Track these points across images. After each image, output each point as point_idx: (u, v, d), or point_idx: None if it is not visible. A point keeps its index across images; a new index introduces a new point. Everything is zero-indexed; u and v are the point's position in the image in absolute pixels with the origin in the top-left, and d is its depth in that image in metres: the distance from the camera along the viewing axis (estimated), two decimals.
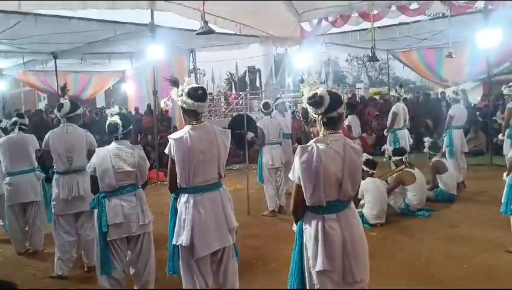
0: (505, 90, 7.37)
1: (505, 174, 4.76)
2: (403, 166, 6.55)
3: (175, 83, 3.24)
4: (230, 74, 23.18)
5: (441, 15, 10.34)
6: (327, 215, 2.53)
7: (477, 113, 13.18)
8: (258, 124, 6.81)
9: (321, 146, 2.51)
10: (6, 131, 6.00)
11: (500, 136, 7.28)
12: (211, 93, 21.30)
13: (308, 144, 2.55)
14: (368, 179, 6.00)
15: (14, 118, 5.68)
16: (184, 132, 3.15)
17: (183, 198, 3.16)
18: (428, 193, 6.85)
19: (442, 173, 6.98)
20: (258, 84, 18.12)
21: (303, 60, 12.67)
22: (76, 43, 10.82)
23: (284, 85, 18.12)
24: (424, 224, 5.91)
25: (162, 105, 3.33)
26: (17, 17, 7.56)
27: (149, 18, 9.53)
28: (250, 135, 6.66)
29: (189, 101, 3.13)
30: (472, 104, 13.85)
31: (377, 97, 17.63)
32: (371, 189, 5.88)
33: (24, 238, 5.63)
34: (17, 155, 5.44)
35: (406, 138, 7.93)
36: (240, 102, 16.09)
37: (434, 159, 7.14)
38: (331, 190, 2.51)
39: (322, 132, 2.58)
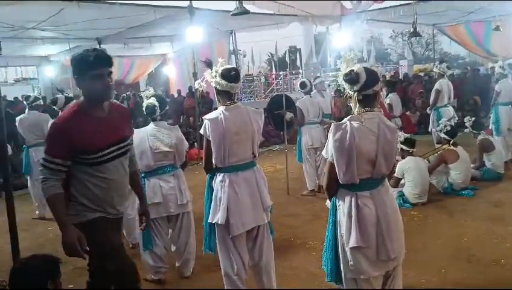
0: None
1: None
2: (446, 145, 6.35)
3: (209, 64, 3.28)
4: (271, 54, 23.03)
5: None
6: (360, 193, 2.53)
7: None
8: (297, 104, 6.76)
9: (355, 124, 2.48)
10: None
11: None
12: (251, 74, 21.32)
13: (342, 121, 2.54)
14: (409, 158, 5.87)
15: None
16: (218, 112, 3.19)
17: (219, 177, 3.21)
18: (474, 171, 6.63)
19: (489, 151, 6.73)
20: (298, 63, 17.90)
21: (343, 38, 12.42)
22: (119, 28, 11.08)
23: (325, 64, 17.84)
24: (467, 203, 5.75)
25: (196, 86, 3.39)
26: (60, 3, 7.81)
27: (188, 1, 9.64)
28: (289, 115, 6.66)
29: (223, 82, 3.17)
30: None
31: (421, 74, 17.04)
32: (412, 168, 5.76)
33: None
34: None
35: (450, 116, 7.65)
36: (280, 82, 16.00)
37: (480, 137, 6.88)
38: (365, 168, 2.49)
39: (356, 110, 2.55)
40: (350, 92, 2.56)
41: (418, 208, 5.65)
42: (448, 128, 6.41)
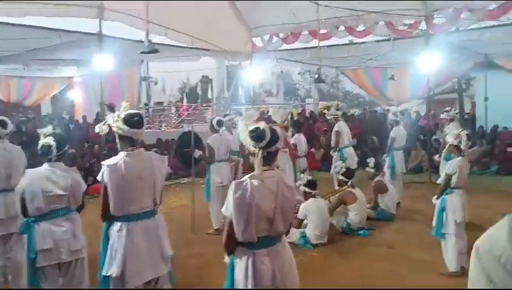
0: (443, 115, 7.70)
1: (434, 197, 4.97)
2: (345, 186, 6.70)
3: (111, 108, 3.16)
4: (184, 82, 22.96)
5: (387, 37, 10.75)
6: (258, 251, 2.55)
7: (420, 131, 13.73)
8: (207, 141, 6.76)
9: (255, 183, 2.52)
10: None
11: (436, 157, 7.54)
12: (162, 102, 21.04)
13: (242, 179, 2.56)
14: (311, 200, 6.09)
15: None
16: (119, 158, 3.07)
17: (116, 226, 3.07)
18: (370, 211, 7.04)
19: (383, 193, 7.20)
20: (210, 95, 18.05)
21: (255, 74, 12.80)
22: (19, 48, 10.39)
23: (237, 98, 18.17)
24: (364, 244, 6.07)
25: (97, 130, 3.22)
26: None
27: (97, 27, 9.36)
28: (197, 153, 6.61)
29: (125, 127, 3.07)
30: (417, 122, 14.47)
31: (326, 112, 17.94)
32: (313, 210, 5.97)
33: None
34: None
35: (353, 156, 8.12)
36: (191, 114, 15.98)
37: (376, 179, 7.35)
38: (262, 226, 2.53)
39: (258, 168, 2.59)
40: (253, 149, 2.60)
41: (319, 249, 5.84)
42: (344, 169, 6.78)
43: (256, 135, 2.58)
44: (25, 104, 16.99)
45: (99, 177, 3.06)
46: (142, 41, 9.78)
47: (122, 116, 3.10)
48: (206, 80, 19.31)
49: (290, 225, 2.74)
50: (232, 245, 2.58)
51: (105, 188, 3.04)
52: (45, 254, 3.52)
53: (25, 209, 3.57)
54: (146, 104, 19.88)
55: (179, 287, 4.42)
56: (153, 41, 10.24)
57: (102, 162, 3.08)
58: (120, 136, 3.13)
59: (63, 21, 8.72)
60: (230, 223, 2.53)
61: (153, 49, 6.46)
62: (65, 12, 8.52)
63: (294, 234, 6.01)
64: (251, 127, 2.62)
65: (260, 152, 2.58)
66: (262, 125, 2.61)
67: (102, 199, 3.08)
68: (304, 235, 5.96)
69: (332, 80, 37.03)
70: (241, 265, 2.56)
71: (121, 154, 3.10)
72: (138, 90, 14.99)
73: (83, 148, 12.13)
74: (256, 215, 2.48)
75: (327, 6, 9.58)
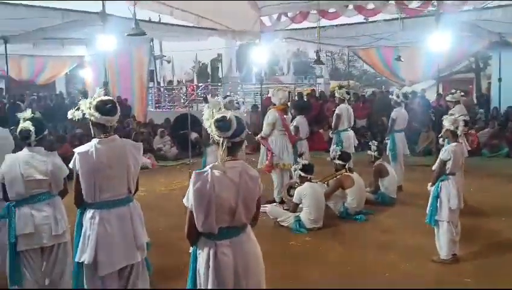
0: (448, 97, 7.49)
1: (429, 184, 4.86)
2: (343, 170, 6.60)
3: (84, 94, 3.13)
4: (199, 61, 22.83)
5: (396, 16, 10.44)
6: (220, 242, 2.51)
7: (432, 112, 13.42)
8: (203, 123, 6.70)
9: (216, 173, 2.47)
10: None
11: (441, 141, 7.35)
12: (171, 81, 21.01)
13: (204, 169, 2.51)
14: (306, 184, 6.02)
15: None
16: (90, 145, 3.05)
17: (89, 213, 3.07)
18: (369, 195, 6.95)
19: (384, 176, 7.09)
20: (221, 75, 17.94)
21: (264, 53, 12.61)
22: (26, 28, 10.43)
23: (248, 77, 18.03)
24: (359, 229, 6.01)
25: (69, 116, 3.20)
26: None
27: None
28: (193, 135, 6.58)
29: (97, 114, 3.04)
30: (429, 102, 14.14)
31: (336, 90, 17.68)
32: (308, 194, 5.90)
33: None
34: None
35: (350, 140, 7.97)
36: (199, 93, 15.91)
37: (377, 162, 7.23)
38: (224, 217, 2.48)
39: (220, 158, 2.53)
40: (218, 138, 2.54)
41: (313, 233, 5.80)
42: (339, 153, 6.70)
43: (222, 124, 2.52)
44: (37, 82, 17.18)
45: (71, 165, 3.05)
46: (146, 21, 9.75)
47: (95, 103, 3.06)
48: (219, 59, 19.16)
49: (256, 215, 2.69)
50: (194, 236, 2.55)
51: (78, 175, 3.03)
52: (26, 238, 3.56)
53: (5, 194, 3.59)
54: (158, 83, 19.89)
55: (172, 271, 4.50)
56: (161, 21, 10.13)
57: (74, 149, 3.07)
58: (93, 122, 3.11)
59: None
60: (191, 214, 2.49)
61: (141, 32, 6.38)
62: None
63: (289, 218, 5.99)
64: (217, 116, 2.56)
65: (225, 142, 2.53)
66: (228, 114, 2.54)
67: (74, 186, 3.07)
68: (298, 220, 5.91)
69: (349, 58, 36.53)
70: (203, 256, 2.53)
71: (93, 142, 3.07)
72: (148, 69, 14.95)
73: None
74: (217, 206, 2.44)
75: None
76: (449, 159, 4.70)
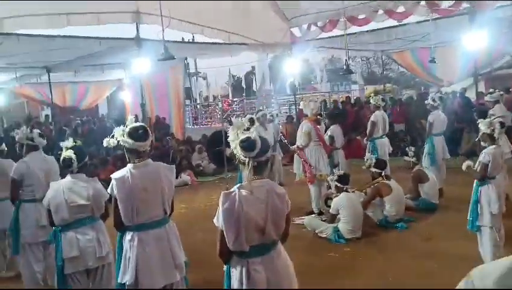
0: (486, 97, 7.29)
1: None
2: (379, 178, 6.53)
3: (117, 122, 3.29)
4: (232, 76, 23.19)
5: (428, 18, 10.24)
6: (251, 259, 2.57)
7: (474, 111, 12.98)
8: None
9: (244, 193, 2.54)
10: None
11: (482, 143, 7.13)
12: (207, 97, 21.39)
13: (231, 190, 2.59)
14: (343, 194, 6.00)
15: None
16: (125, 171, 3.20)
17: (128, 236, 3.21)
18: (409, 202, 6.82)
19: (423, 182, 6.95)
20: (255, 88, 18.15)
21: (296, 64, 12.65)
22: (66, 57, 10.96)
23: (282, 89, 18.10)
24: (400, 237, 5.90)
25: (105, 144, 3.37)
26: None
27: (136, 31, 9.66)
28: (228, 151, 6.69)
29: (130, 141, 3.19)
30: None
31: (372, 97, 17.48)
32: (345, 204, 5.88)
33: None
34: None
35: (384, 147, 7.88)
36: (235, 107, 16.14)
37: (416, 168, 7.10)
38: (254, 235, 2.54)
39: (248, 177, 2.61)
40: (243, 158, 2.62)
41: (352, 243, 5.76)
42: (374, 161, 6.63)
43: (247, 145, 2.59)
44: (80, 107, 17.93)
45: (109, 190, 3.22)
46: (179, 42, 9.99)
47: (127, 130, 3.22)
48: (251, 72, 19.40)
49: (286, 232, 2.74)
50: (226, 255, 2.62)
51: (116, 200, 3.19)
52: (72, 261, 3.74)
53: (51, 219, 3.80)
54: (195, 100, 20.31)
55: (209, 286, 4.58)
56: (195, 41, 10.30)
57: (111, 175, 3.22)
58: (127, 149, 3.26)
59: (102, 28, 9.10)
60: (222, 234, 2.57)
61: (169, 56, 6.59)
62: (103, 20, 8.86)
63: (328, 229, 5.97)
64: (242, 137, 2.64)
65: (250, 162, 2.60)
66: (253, 135, 2.63)
67: (113, 210, 3.23)
68: (336, 230, 5.89)
69: (384, 61, 35.96)
70: (236, 274, 2.60)
71: (128, 167, 3.23)
72: (183, 87, 15.31)
73: None
74: (246, 225, 2.50)
75: None
76: (489, 162, 4.59)
